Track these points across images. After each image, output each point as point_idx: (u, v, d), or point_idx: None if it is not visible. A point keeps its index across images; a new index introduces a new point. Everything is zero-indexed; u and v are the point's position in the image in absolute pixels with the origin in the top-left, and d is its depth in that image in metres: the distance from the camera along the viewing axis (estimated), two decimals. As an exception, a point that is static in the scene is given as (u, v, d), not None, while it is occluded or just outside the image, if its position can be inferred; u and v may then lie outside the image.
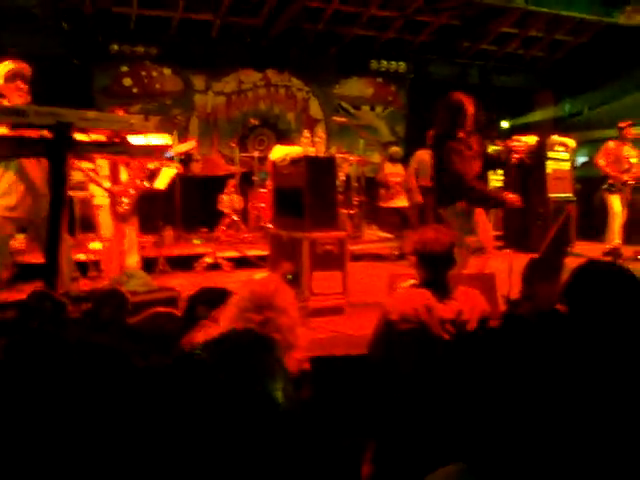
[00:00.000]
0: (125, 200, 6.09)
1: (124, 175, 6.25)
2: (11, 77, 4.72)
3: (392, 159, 9.41)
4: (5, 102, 4.61)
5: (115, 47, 9.91)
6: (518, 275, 4.70)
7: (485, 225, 4.95)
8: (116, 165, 6.13)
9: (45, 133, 4.23)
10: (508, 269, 4.85)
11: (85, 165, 6.05)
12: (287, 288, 2.18)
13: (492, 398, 1.18)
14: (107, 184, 6.10)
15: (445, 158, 4.80)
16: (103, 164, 6.09)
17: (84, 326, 3.22)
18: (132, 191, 6.15)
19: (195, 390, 0.77)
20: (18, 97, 4.71)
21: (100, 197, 6.19)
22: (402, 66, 11.89)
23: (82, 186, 7.23)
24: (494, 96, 12.01)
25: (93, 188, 6.30)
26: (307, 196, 4.85)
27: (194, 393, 0.76)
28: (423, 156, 8.60)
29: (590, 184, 9.77)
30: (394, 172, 9.20)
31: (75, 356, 3.34)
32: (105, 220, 6.18)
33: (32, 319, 3.25)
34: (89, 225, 7.84)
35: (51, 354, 3.36)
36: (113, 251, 6.05)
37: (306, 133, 5.34)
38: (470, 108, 4.91)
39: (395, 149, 9.70)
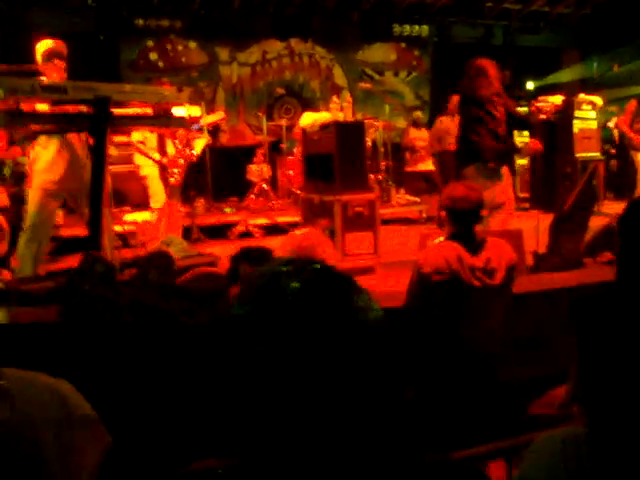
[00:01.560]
0: (176, 170, 6.26)
1: (170, 147, 6.41)
2: (48, 56, 4.87)
3: (416, 124, 9.55)
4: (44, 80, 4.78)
5: (140, 22, 10.06)
6: (545, 233, 4.83)
7: (506, 184, 5.07)
8: (162, 137, 6.27)
9: (84, 108, 4.42)
10: (535, 227, 4.97)
11: (134, 137, 6.22)
12: (327, 240, 2.34)
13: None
14: (157, 156, 6.27)
15: (466, 123, 4.94)
16: (150, 136, 6.24)
17: (134, 288, 3.43)
18: (181, 161, 6.33)
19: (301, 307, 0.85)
20: (56, 75, 4.87)
21: (146, 167, 6.32)
22: (425, 30, 11.85)
23: (114, 160, 7.40)
24: (519, 56, 11.93)
25: (139, 159, 6.42)
26: (337, 160, 4.99)
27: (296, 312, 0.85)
28: (446, 120, 8.70)
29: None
30: (419, 136, 9.35)
31: (127, 316, 3.55)
32: (156, 188, 6.29)
33: (85, 282, 3.46)
34: (122, 199, 8.09)
35: (104, 315, 3.57)
36: (163, 220, 6.20)
37: (335, 99, 5.46)
38: (492, 71, 5.00)
39: (418, 114, 9.86)
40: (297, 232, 2.49)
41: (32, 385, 0.89)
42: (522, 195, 9.32)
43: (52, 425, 0.86)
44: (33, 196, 4.99)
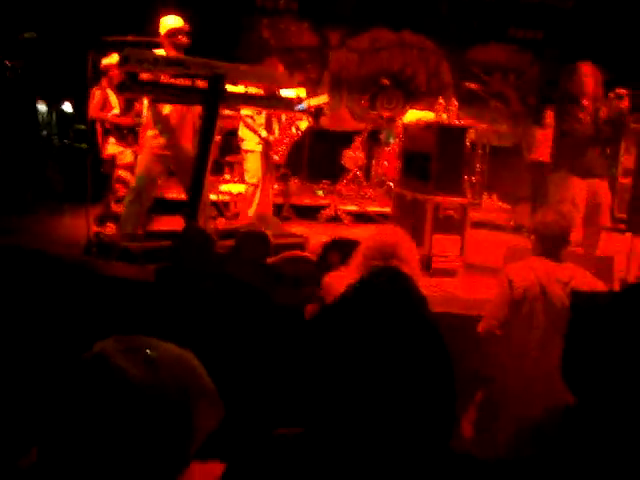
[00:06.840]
0: (280, 148, 6.43)
1: (276, 125, 6.57)
2: (175, 32, 5.09)
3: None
4: (161, 52, 4.99)
5: (259, 0, 10.27)
6: (638, 260, 4.72)
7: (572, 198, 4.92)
8: (270, 116, 6.43)
9: (199, 83, 4.65)
10: (627, 253, 4.86)
11: (243, 112, 6.35)
12: (410, 240, 2.42)
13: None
14: (264, 133, 6.44)
15: (556, 128, 4.94)
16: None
17: (228, 262, 3.62)
18: (286, 140, 6.49)
19: (373, 309, 1.01)
20: (174, 49, 5.08)
21: (250, 142, 6.46)
22: (541, 34, 11.53)
23: (218, 131, 7.62)
24: None
25: (243, 133, 6.57)
26: (435, 161, 5.04)
27: (373, 312, 1.00)
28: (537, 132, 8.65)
29: None
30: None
31: (217, 289, 3.75)
32: (253, 165, 6.44)
33: (184, 250, 3.68)
34: (218, 168, 8.36)
35: (196, 284, 3.78)
36: (256, 195, 6.37)
37: (440, 100, 5.48)
38: (588, 76, 4.89)
39: None
40: (381, 228, 2.58)
41: (170, 355, 1.05)
42: (619, 215, 8.99)
43: (186, 392, 1.02)
44: (142, 159, 5.29)
